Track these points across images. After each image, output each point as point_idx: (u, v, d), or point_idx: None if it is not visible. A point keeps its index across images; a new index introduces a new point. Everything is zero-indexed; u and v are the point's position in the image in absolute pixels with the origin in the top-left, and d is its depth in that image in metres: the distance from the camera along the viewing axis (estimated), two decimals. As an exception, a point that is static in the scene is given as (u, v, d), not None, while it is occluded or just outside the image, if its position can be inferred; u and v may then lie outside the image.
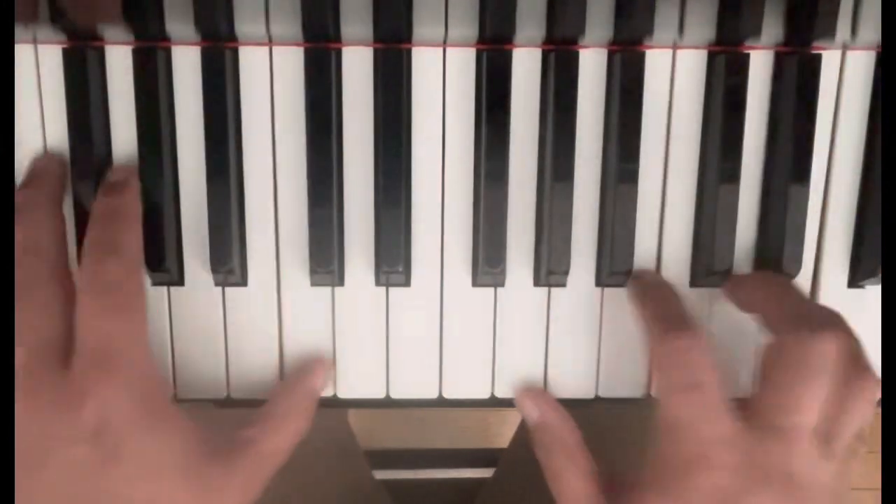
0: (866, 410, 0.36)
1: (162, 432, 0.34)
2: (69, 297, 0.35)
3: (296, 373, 0.40)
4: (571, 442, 0.40)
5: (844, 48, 0.39)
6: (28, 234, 0.35)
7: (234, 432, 0.38)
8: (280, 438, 0.38)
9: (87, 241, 0.36)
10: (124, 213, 0.37)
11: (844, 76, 0.40)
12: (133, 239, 0.37)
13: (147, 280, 0.40)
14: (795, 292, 0.39)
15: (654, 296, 0.39)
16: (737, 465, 0.34)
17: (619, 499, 0.37)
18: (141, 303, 0.36)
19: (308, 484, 0.61)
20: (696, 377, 0.35)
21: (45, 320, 0.34)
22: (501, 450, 0.79)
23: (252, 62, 0.38)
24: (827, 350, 0.35)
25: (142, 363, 0.35)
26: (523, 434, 0.76)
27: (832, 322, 0.36)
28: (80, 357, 0.34)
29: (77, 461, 0.33)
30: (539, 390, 0.41)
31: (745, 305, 0.40)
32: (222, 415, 0.40)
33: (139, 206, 0.38)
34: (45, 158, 0.38)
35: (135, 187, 0.38)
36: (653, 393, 0.41)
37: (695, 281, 0.41)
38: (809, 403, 0.35)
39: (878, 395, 0.35)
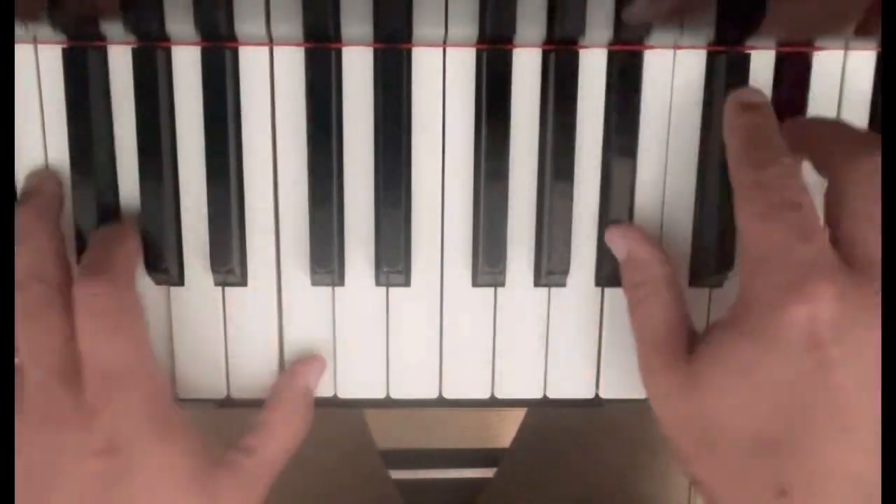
0: None
1: (171, 444, 0.35)
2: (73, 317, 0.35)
3: (288, 375, 0.40)
4: (658, 275, 0.37)
5: (845, 48, 0.39)
6: (30, 259, 0.36)
7: (235, 441, 0.38)
8: (279, 444, 0.39)
9: (79, 267, 0.36)
10: (115, 236, 0.37)
11: (846, 76, 0.40)
12: (122, 259, 0.37)
13: (147, 280, 0.40)
14: (846, 126, 0.37)
15: (753, 116, 0.36)
16: (833, 300, 0.30)
17: (701, 344, 0.34)
18: (137, 319, 0.36)
19: (325, 484, 0.61)
20: (796, 197, 0.32)
21: (55, 343, 0.35)
22: (501, 450, 0.79)
23: (252, 62, 0.38)
24: (878, 168, 0.32)
25: (147, 377, 0.35)
26: (525, 434, 0.76)
27: (871, 145, 0.33)
28: (87, 377, 0.34)
29: (89, 477, 0.33)
30: (627, 226, 0.40)
31: (800, 145, 0.36)
32: (222, 420, 0.40)
33: (134, 231, 0.38)
34: (40, 177, 0.39)
35: (130, 220, 0.39)
36: (738, 224, 0.35)
37: (695, 281, 0.41)
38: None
39: None
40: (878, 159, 0.32)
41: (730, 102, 0.37)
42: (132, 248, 0.38)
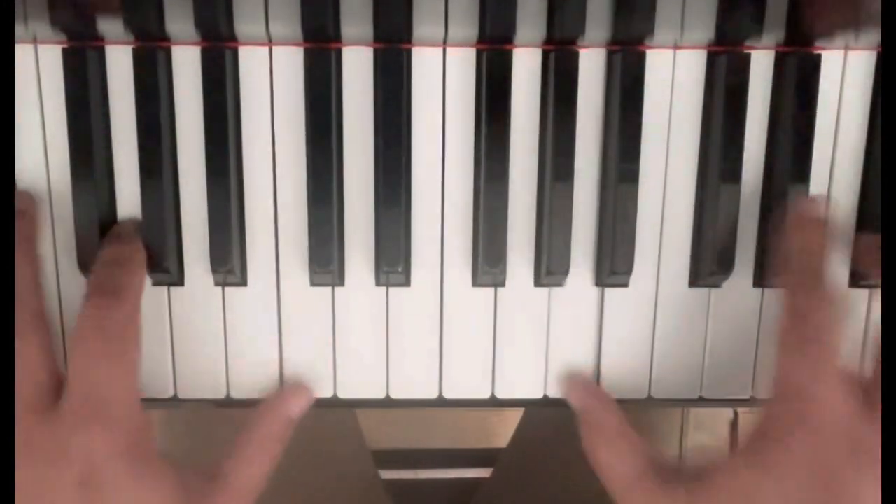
0: None
1: (147, 480, 0.35)
2: (50, 340, 0.36)
3: (270, 399, 0.40)
4: (611, 426, 0.39)
5: (846, 48, 0.39)
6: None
7: (210, 468, 0.38)
8: (253, 470, 0.39)
9: (89, 285, 0.36)
10: (128, 258, 0.37)
11: (846, 76, 0.40)
12: (135, 285, 0.37)
13: (147, 280, 0.40)
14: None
15: (805, 238, 0.38)
16: (842, 438, 0.32)
17: (696, 479, 0.36)
18: (136, 350, 0.36)
19: (315, 483, 0.61)
20: (821, 335, 0.34)
21: (32, 367, 0.35)
22: (501, 450, 0.79)
23: (252, 62, 0.38)
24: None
25: (130, 411, 0.35)
26: (522, 434, 0.76)
27: None
28: (69, 400, 0.34)
29: None
30: (580, 379, 0.41)
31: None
32: (198, 458, 0.40)
33: (143, 255, 0.38)
34: (18, 198, 0.38)
35: (139, 239, 0.38)
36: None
37: (695, 281, 0.41)
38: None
39: None
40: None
41: (791, 216, 0.38)
42: (142, 273, 0.38)
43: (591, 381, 0.41)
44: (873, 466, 0.32)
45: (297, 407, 0.40)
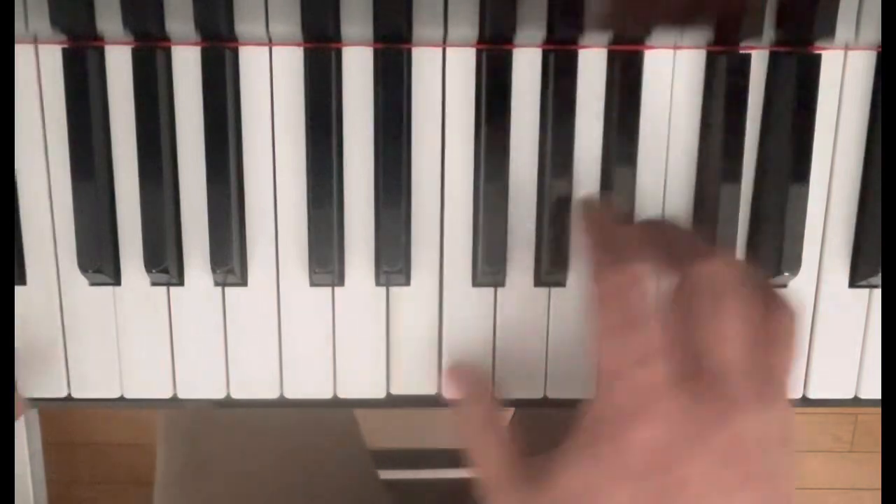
0: (789, 343, 0.34)
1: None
2: None
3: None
4: (481, 416, 0.38)
5: (846, 48, 0.39)
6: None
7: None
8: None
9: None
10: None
11: (846, 76, 0.40)
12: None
13: (147, 280, 0.40)
14: (678, 232, 0.37)
15: (594, 223, 0.37)
16: (675, 420, 0.31)
17: (544, 467, 0.34)
18: None
19: (314, 483, 0.61)
20: (634, 317, 0.32)
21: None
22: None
23: (252, 62, 0.38)
24: (719, 270, 0.33)
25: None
26: (516, 433, 0.76)
27: (713, 251, 0.34)
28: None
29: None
30: (457, 369, 0.40)
31: (652, 247, 0.37)
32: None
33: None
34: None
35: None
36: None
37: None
38: (730, 333, 0.32)
39: (795, 324, 0.34)
40: (717, 265, 0.33)
41: (576, 202, 0.38)
42: None
43: (470, 372, 0.40)
44: (715, 434, 0.30)
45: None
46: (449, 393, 0.40)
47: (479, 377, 0.40)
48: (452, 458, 0.90)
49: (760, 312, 0.33)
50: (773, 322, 0.33)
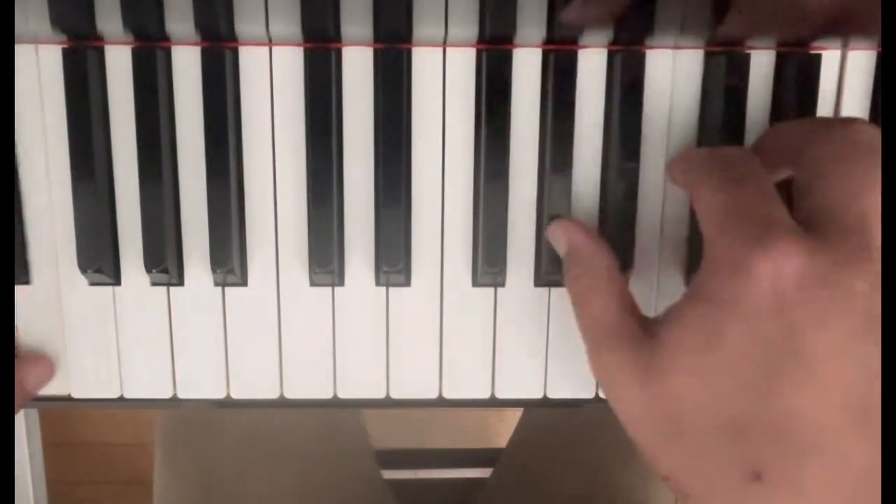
0: None
1: None
2: None
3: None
4: (599, 265, 0.36)
5: (846, 48, 0.39)
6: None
7: None
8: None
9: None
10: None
11: (845, 76, 0.40)
12: None
13: (147, 280, 0.40)
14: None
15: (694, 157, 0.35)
16: (801, 256, 0.28)
17: (657, 326, 0.32)
18: None
19: (318, 483, 0.61)
20: (749, 169, 0.31)
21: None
22: (501, 450, 0.79)
23: (252, 62, 0.38)
24: (867, 129, 0.30)
25: None
26: (522, 434, 0.77)
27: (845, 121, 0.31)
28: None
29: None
30: (566, 219, 0.38)
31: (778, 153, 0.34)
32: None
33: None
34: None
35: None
36: (695, 200, 0.33)
37: (689, 280, 0.41)
38: (870, 191, 0.28)
39: None
40: (856, 127, 0.30)
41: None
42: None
43: (575, 221, 0.38)
44: (840, 290, 0.27)
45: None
46: (561, 246, 0.38)
47: (582, 226, 0.38)
48: (455, 458, 0.90)
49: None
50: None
